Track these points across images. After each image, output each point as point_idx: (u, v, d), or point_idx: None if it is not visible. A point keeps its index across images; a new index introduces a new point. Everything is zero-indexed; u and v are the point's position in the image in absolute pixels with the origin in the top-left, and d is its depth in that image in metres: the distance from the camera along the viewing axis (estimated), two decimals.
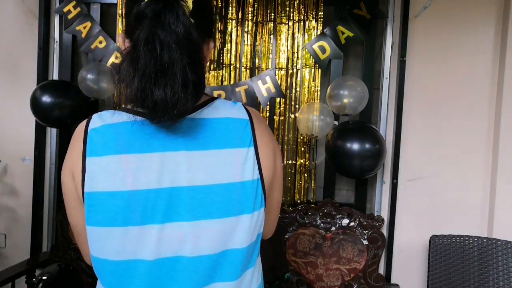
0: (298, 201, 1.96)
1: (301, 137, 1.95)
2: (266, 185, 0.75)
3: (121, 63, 0.66)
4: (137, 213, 0.67)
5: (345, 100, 1.72)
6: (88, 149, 0.69)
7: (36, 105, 1.85)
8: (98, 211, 0.68)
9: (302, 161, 1.96)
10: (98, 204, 0.68)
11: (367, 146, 1.67)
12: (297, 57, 1.93)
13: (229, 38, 1.96)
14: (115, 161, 0.68)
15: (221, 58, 1.98)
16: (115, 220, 0.67)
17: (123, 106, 0.73)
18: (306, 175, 1.96)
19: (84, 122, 0.73)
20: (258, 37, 1.96)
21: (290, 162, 1.96)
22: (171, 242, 0.68)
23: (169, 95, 0.63)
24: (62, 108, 1.85)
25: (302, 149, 1.96)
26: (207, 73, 1.98)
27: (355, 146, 1.67)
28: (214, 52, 1.97)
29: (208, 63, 1.97)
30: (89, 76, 1.85)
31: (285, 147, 1.95)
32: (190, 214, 0.68)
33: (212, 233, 0.69)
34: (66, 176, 0.74)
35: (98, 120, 0.72)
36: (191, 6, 0.67)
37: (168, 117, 0.65)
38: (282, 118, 1.95)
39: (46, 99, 1.83)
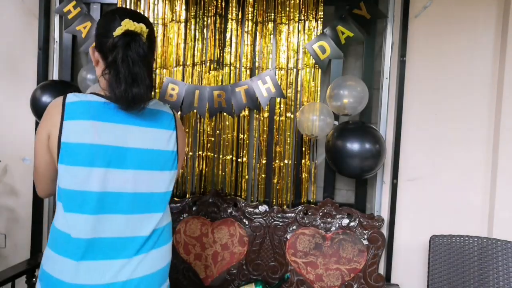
0: (298, 201, 1.96)
1: (300, 137, 1.95)
2: (179, 158, 1.17)
3: (104, 74, 1.05)
4: (98, 159, 1.02)
5: (345, 100, 1.72)
6: (66, 116, 1.03)
7: (36, 105, 1.85)
8: (71, 155, 1.02)
9: (302, 161, 1.96)
10: (71, 151, 1.01)
11: (367, 146, 1.67)
12: (297, 57, 1.93)
13: (229, 38, 1.97)
14: (87, 124, 1.02)
15: (221, 58, 1.98)
16: (82, 162, 1.01)
17: (91, 92, 1.10)
18: (306, 175, 1.96)
19: (60, 98, 1.06)
20: (258, 37, 1.96)
21: (289, 162, 1.96)
22: (118, 181, 1.04)
23: (141, 92, 1.03)
24: None
25: (303, 149, 1.96)
26: (207, 73, 1.98)
27: (355, 146, 1.67)
28: (214, 52, 1.97)
29: (209, 63, 1.97)
30: (89, 76, 1.86)
31: (285, 147, 1.95)
32: (133, 165, 1.06)
33: (146, 178, 1.08)
34: (42, 134, 1.07)
35: (74, 97, 1.06)
36: (145, 39, 1.05)
37: (139, 107, 1.05)
38: (282, 118, 1.95)
39: (46, 99, 1.83)
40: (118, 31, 1.01)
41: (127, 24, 1.01)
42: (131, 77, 1.01)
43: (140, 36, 1.03)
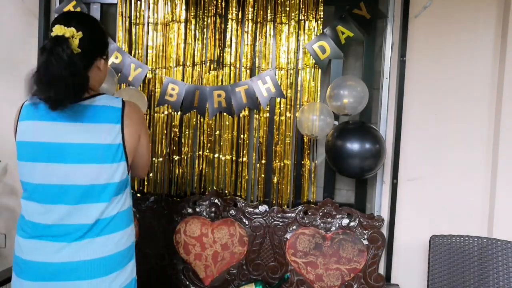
0: (298, 201, 1.96)
1: (300, 137, 1.95)
2: (128, 149, 1.20)
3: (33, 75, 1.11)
4: (40, 154, 1.15)
5: (345, 100, 1.72)
6: (20, 117, 1.21)
7: None
8: (20, 152, 1.19)
9: (302, 161, 1.96)
10: (20, 148, 1.19)
11: (367, 146, 1.67)
12: (297, 57, 1.93)
13: (229, 38, 1.97)
14: (30, 124, 1.18)
15: (221, 58, 1.98)
16: (27, 158, 1.17)
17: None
18: (306, 175, 1.96)
19: (23, 102, 1.22)
20: (258, 37, 1.96)
21: (289, 162, 1.96)
22: (59, 174, 1.14)
23: (57, 95, 1.07)
24: None
25: (303, 149, 1.96)
26: (207, 73, 1.98)
27: (355, 146, 1.67)
28: (214, 52, 1.97)
29: (209, 63, 1.97)
30: None
31: (285, 147, 1.95)
32: (73, 159, 1.14)
33: (85, 172, 1.14)
34: (14, 132, 1.25)
35: (29, 100, 1.19)
36: (77, 43, 1.11)
37: (55, 107, 1.10)
38: (282, 118, 1.95)
39: None
40: (50, 36, 1.11)
41: (56, 30, 1.10)
42: (47, 80, 1.07)
43: (66, 41, 1.09)
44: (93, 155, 1.14)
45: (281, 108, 1.95)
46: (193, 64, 2.00)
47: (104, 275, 1.17)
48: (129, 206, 1.27)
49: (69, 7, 1.99)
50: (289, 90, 1.94)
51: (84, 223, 1.15)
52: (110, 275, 1.18)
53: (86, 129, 1.15)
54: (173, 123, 2.02)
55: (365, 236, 1.81)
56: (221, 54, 1.98)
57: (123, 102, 1.21)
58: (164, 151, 2.03)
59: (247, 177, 2.00)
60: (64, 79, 1.06)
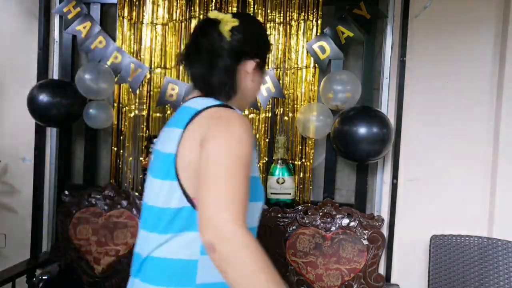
0: (298, 201, 1.96)
1: (301, 137, 1.95)
2: (181, 162, 0.87)
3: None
4: None
5: (340, 95, 1.76)
6: None
7: (32, 104, 1.85)
8: None
9: (302, 161, 1.96)
10: None
11: (374, 130, 1.68)
12: (297, 57, 1.93)
13: None
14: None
15: None
16: None
17: None
18: (306, 175, 1.96)
19: None
20: None
21: (289, 162, 1.96)
22: (147, 191, 0.97)
23: (193, 71, 1.00)
24: (58, 108, 1.85)
25: (303, 149, 1.96)
26: None
27: (362, 130, 1.68)
28: None
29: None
30: (87, 76, 1.85)
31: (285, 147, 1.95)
32: (151, 172, 0.97)
33: (152, 188, 0.94)
34: None
35: None
36: (228, 29, 0.94)
37: (194, 82, 1.03)
38: (282, 118, 1.95)
39: (43, 98, 1.83)
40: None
41: (210, 14, 0.99)
42: (193, 55, 0.99)
43: (216, 23, 0.96)
44: (157, 168, 0.93)
45: (281, 108, 1.95)
46: None
47: None
48: (183, 258, 0.89)
49: (69, 7, 1.99)
50: (288, 90, 1.94)
51: (140, 254, 0.93)
52: None
53: (165, 136, 0.95)
54: None
55: (365, 236, 1.81)
56: None
57: (216, 106, 0.91)
58: None
59: None
60: (203, 59, 0.95)
